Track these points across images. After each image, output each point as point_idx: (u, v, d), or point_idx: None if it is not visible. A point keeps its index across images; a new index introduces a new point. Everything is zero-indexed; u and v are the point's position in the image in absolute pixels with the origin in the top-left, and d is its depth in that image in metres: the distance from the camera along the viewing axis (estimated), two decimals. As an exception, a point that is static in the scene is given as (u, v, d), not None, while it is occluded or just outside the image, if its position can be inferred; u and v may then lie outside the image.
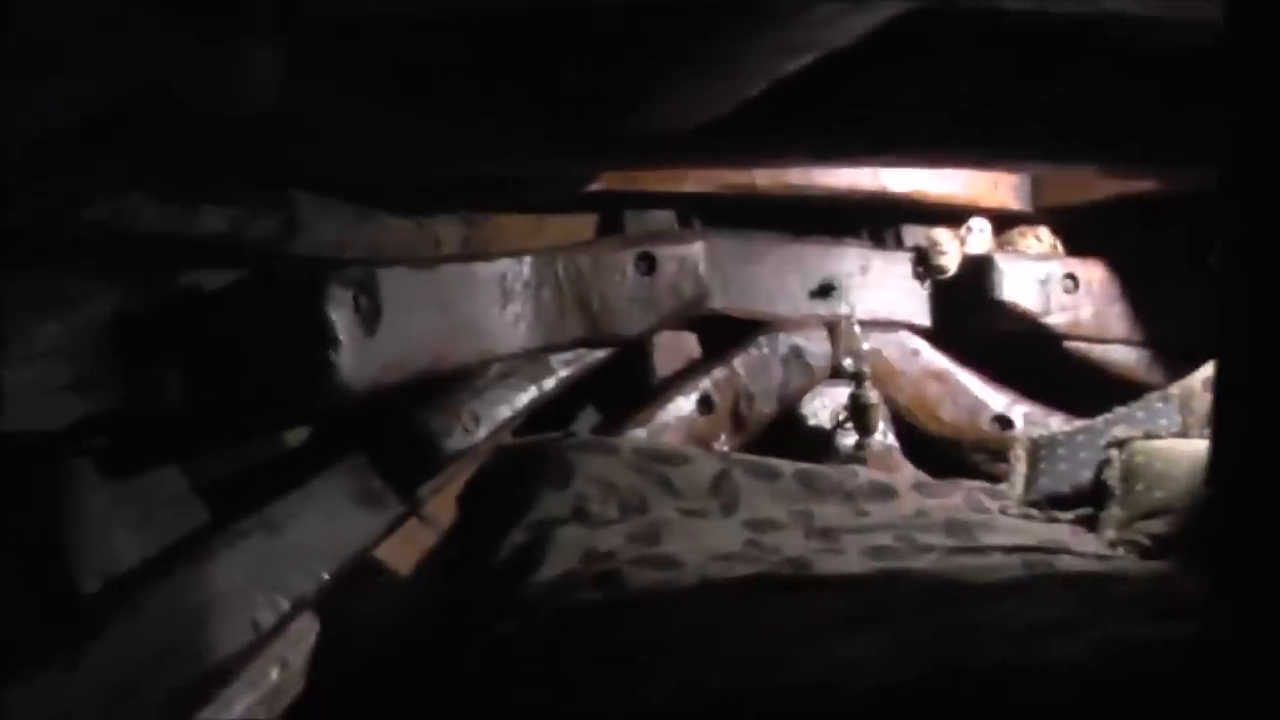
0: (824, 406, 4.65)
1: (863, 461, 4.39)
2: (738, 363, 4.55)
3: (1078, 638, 2.52)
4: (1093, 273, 4.77)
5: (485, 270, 4.03)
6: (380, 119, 3.18)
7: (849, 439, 4.53)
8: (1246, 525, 2.01)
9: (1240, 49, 1.84)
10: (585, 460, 3.77)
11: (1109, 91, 3.35)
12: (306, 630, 3.68)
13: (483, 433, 4.06)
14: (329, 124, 3.12)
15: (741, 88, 3.04)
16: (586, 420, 4.54)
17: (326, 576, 3.69)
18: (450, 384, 4.03)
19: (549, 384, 4.23)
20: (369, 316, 3.49)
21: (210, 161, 3.10)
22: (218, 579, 3.41)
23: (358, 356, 3.46)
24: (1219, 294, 1.98)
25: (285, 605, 3.55)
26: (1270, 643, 1.95)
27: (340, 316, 3.40)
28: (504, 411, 4.13)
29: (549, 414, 4.33)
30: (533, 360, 4.19)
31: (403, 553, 4.12)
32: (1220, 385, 2.07)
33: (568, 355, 4.27)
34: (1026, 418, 4.73)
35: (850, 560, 3.37)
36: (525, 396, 4.19)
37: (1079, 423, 4.34)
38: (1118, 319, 4.78)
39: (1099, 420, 4.25)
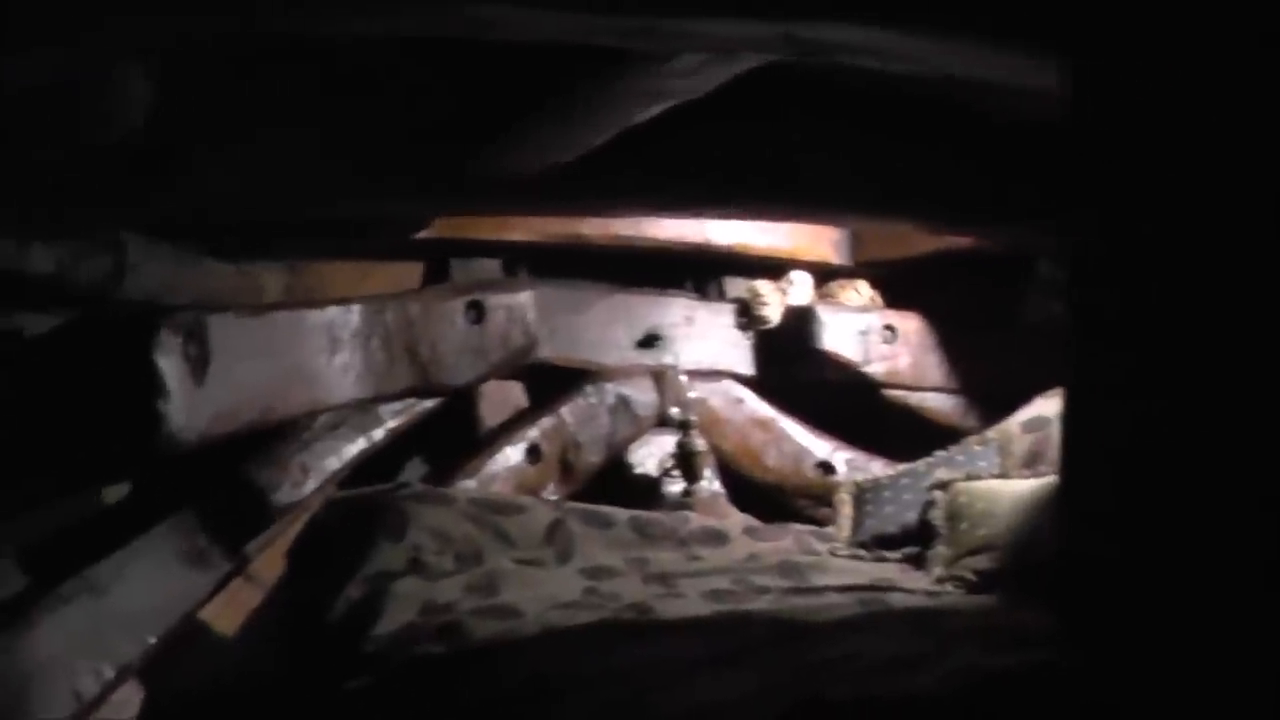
0: (651, 455, 4.69)
1: (690, 508, 4.42)
2: (565, 412, 4.57)
3: (928, 670, 2.60)
4: (909, 324, 4.93)
5: (314, 318, 3.99)
6: (236, 152, 3.13)
7: (676, 486, 4.57)
8: (1092, 556, 2.11)
9: (1088, 119, 1.94)
10: (420, 511, 3.74)
11: (933, 154, 3.49)
12: (130, 698, 3.57)
13: (311, 485, 4.01)
14: (191, 155, 3.07)
15: (592, 135, 3.08)
16: (414, 471, 4.50)
17: (153, 640, 3.59)
18: (279, 435, 3.97)
19: (378, 434, 4.20)
20: (199, 365, 3.43)
21: (51, 195, 3.02)
22: (38, 647, 3.30)
23: (188, 407, 3.40)
24: (1072, 343, 2.08)
25: (109, 673, 3.45)
26: (1117, 669, 2.05)
27: (170, 365, 3.33)
28: (333, 463, 4.08)
29: (376, 465, 4.28)
30: (362, 410, 4.15)
31: (227, 612, 4.03)
32: (1069, 425, 2.18)
33: (396, 405, 4.24)
34: (849, 463, 4.84)
35: (691, 604, 3.43)
36: (354, 448, 4.15)
37: (901, 466, 4.47)
38: (934, 368, 4.93)
39: (920, 464, 4.38)
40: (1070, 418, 2.20)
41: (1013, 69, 2.27)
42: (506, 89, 3.01)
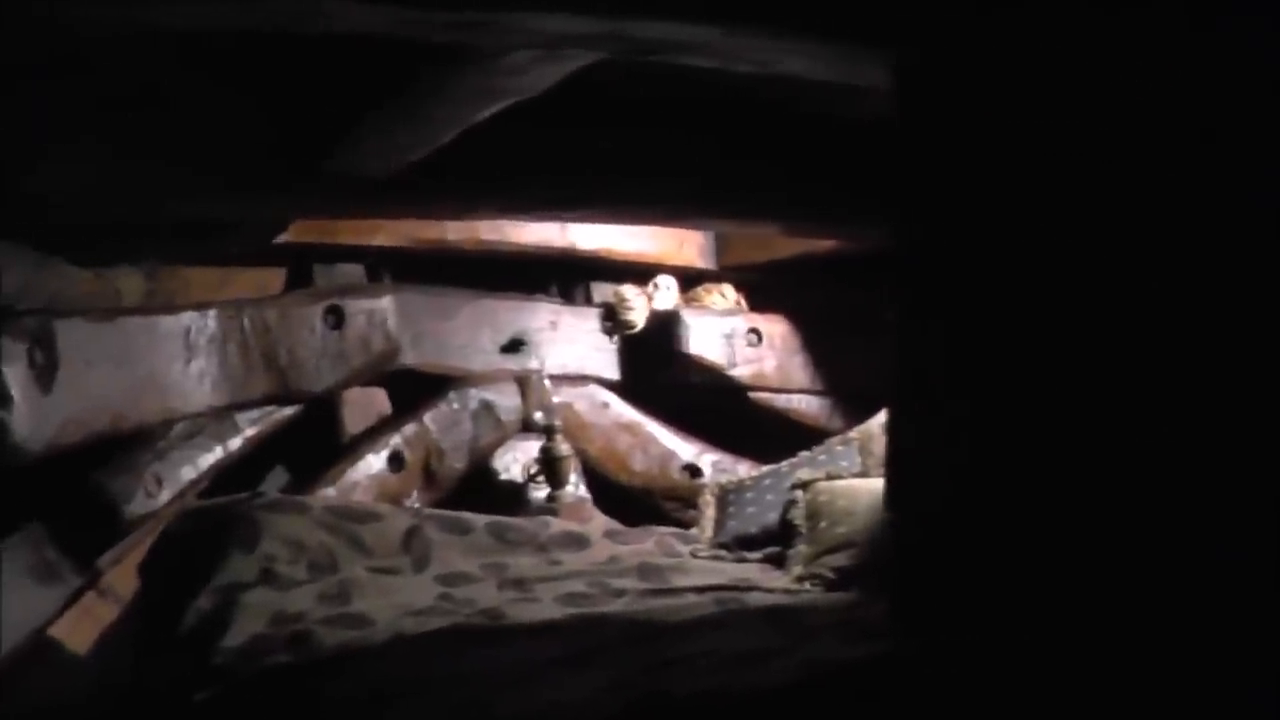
0: (515, 460, 4.71)
1: (555, 513, 4.46)
2: (428, 418, 4.57)
3: (778, 663, 2.64)
4: (775, 327, 5.01)
5: (168, 323, 3.98)
6: (83, 152, 3.09)
7: (541, 492, 4.59)
8: (922, 552, 2.17)
9: (911, 122, 1.98)
10: (273, 521, 3.71)
11: (789, 155, 3.53)
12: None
13: (166, 496, 3.98)
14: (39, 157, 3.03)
15: (434, 134, 3.08)
16: (275, 480, 4.47)
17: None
18: (131, 444, 3.94)
19: (235, 443, 4.18)
20: (45, 372, 3.39)
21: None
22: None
23: (33, 415, 3.36)
24: (896, 347, 2.13)
25: (-45, 692, 3.38)
26: (949, 656, 2.11)
27: (14, 372, 3.29)
28: (188, 473, 4.05)
29: (236, 474, 4.26)
30: (218, 418, 4.14)
31: (80, 628, 3.96)
32: (893, 426, 2.23)
33: (254, 413, 4.23)
34: (715, 466, 4.91)
35: (545, 608, 3.45)
36: (210, 457, 4.13)
37: (764, 468, 4.52)
38: (799, 370, 5.02)
39: (784, 465, 4.44)
40: (895, 418, 2.25)
41: (842, 67, 2.30)
42: (352, 87, 3.00)
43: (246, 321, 4.12)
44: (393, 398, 4.66)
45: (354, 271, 4.65)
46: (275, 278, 4.57)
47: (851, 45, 2.18)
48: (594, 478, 4.82)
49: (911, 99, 2.09)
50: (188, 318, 4.01)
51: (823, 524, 3.96)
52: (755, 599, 3.52)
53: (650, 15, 2.07)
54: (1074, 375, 1.82)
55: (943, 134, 2.03)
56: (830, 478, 4.16)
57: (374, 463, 4.44)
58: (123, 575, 3.97)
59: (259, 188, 3.47)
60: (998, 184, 1.93)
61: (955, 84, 2.03)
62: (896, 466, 2.24)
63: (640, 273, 4.97)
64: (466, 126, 3.00)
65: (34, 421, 3.35)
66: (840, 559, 3.79)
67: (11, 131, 2.92)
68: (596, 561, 3.93)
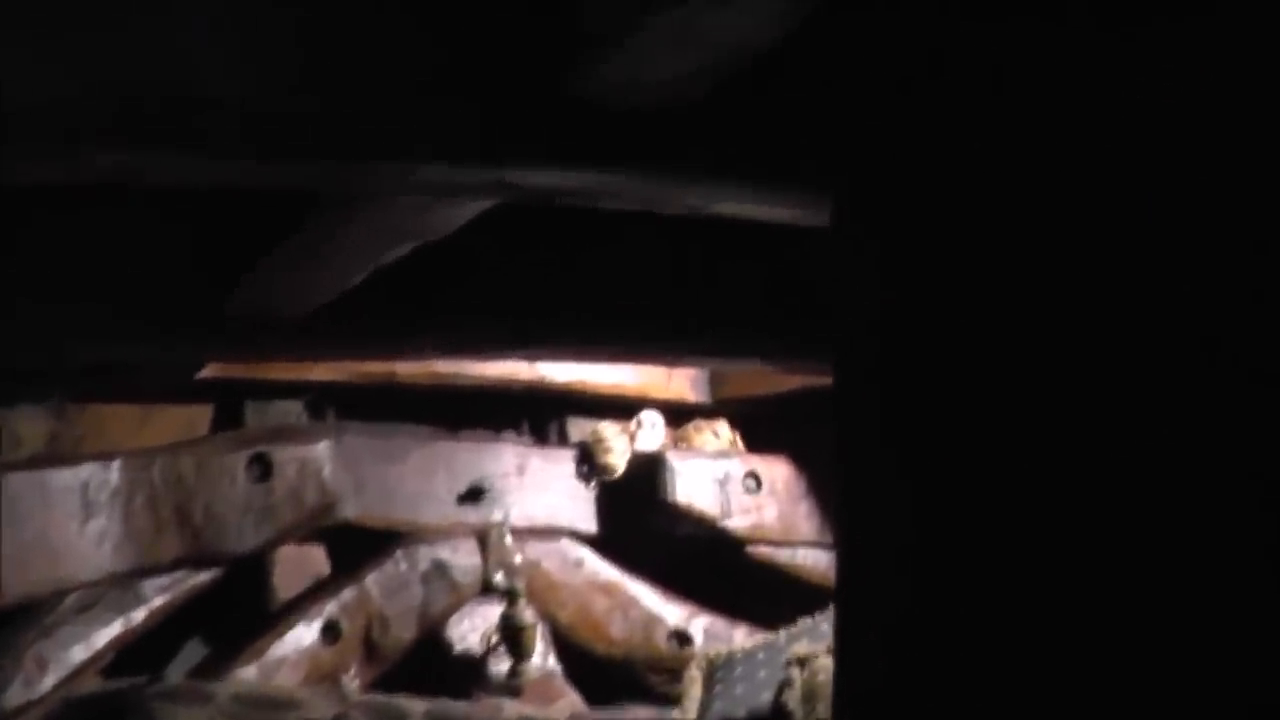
0: (474, 629, 4.51)
1: (518, 691, 4.28)
2: (371, 581, 4.36)
3: None
4: (776, 470, 4.82)
5: (63, 478, 3.81)
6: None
7: (503, 665, 4.40)
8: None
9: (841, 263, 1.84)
10: (171, 713, 3.46)
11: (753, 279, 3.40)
12: None
13: (50, 681, 3.75)
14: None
15: (342, 275, 2.93)
16: (191, 655, 4.25)
17: None
18: (12, 621, 3.76)
19: (139, 616, 3.99)
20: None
21: None
22: None
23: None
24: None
25: None
26: None
27: None
28: (79, 653, 3.84)
29: (143, 650, 4.08)
30: (120, 587, 3.94)
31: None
32: (840, 594, 2.07)
33: (164, 579, 4.04)
34: (707, 632, 4.71)
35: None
36: (108, 633, 3.92)
37: (759, 637, 4.29)
38: (804, 520, 4.82)
39: (781, 634, 4.19)
40: (841, 584, 2.09)
41: (780, 209, 2.15)
42: (243, 229, 2.90)
43: (156, 473, 3.95)
44: (333, 556, 4.47)
45: (291, 409, 4.48)
46: (201, 416, 4.39)
47: (786, 186, 2.03)
48: (566, 647, 4.62)
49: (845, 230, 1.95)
50: (87, 470, 3.82)
51: (820, 707, 3.68)
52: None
53: (533, 164, 1.90)
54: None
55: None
56: (831, 651, 3.95)
57: (305, 634, 4.22)
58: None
59: (160, 330, 3.35)
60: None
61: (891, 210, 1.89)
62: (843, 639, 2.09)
63: (622, 408, 4.78)
64: (377, 266, 2.88)
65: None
66: (836, 758, 3.55)
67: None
68: (556, 758, 3.71)
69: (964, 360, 1.74)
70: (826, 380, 4.79)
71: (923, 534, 1.80)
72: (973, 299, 1.74)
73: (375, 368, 4.38)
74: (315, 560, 4.45)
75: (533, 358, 4.14)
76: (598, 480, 4.76)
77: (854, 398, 1.91)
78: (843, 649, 2.03)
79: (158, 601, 4.05)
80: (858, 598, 1.96)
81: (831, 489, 4.86)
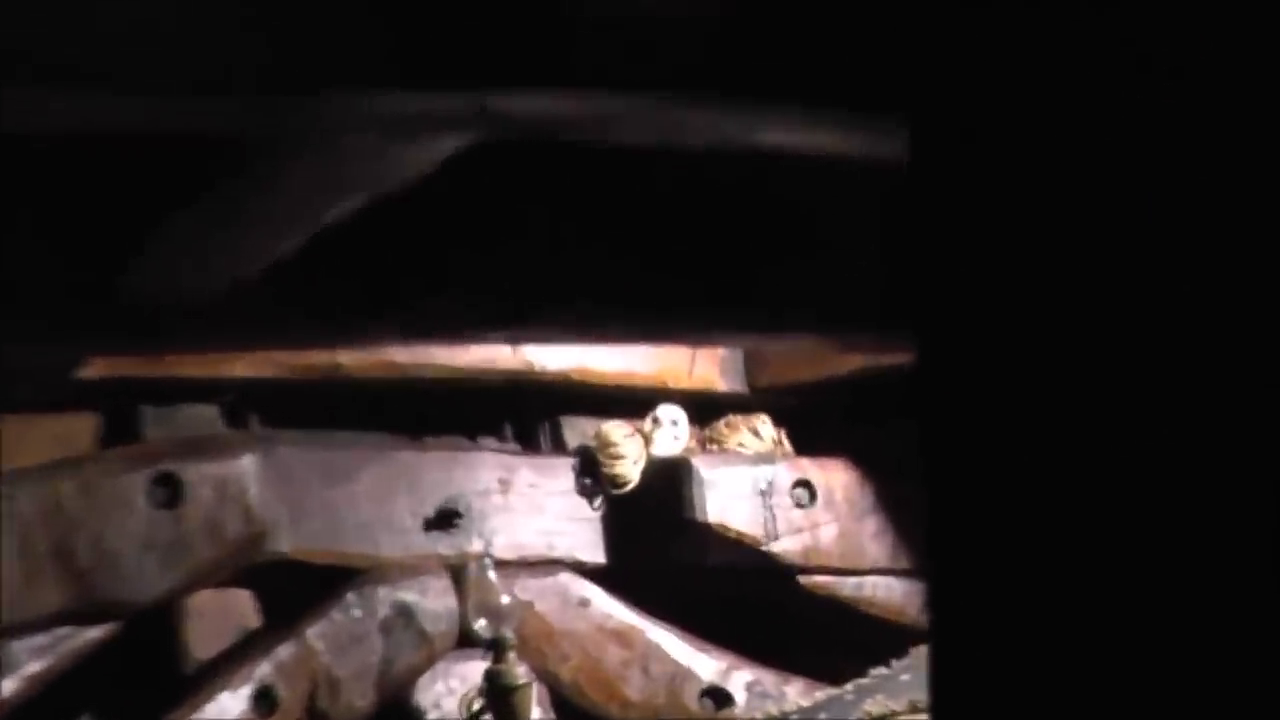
0: (450, 692, 4.57)
1: (508, 774, 4.29)
2: (313, 634, 4.42)
3: None
4: (834, 477, 4.87)
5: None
6: None
7: (488, 738, 4.42)
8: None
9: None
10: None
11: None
12: None
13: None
14: None
15: (269, 243, 2.97)
16: (86, 731, 4.31)
17: None
18: None
19: (8, 687, 4.05)
20: None
21: None
22: None
23: None
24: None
25: None
26: None
27: None
28: (-74, 737, 3.92)
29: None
30: (-15, 649, 3.99)
31: None
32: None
33: (42, 638, 4.12)
34: (751, 689, 4.78)
35: None
36: (-36, 712, 3.98)
37: (821, 693, 4.41)
38: (872, 540, 4.88)
39: (849, 688, 4.33)
40: (935, 623, 2.15)
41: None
42: (143, 189, 2.92)
43: (25, 503, 4.04)
44: (264, 603, 4.54)
45: (204, 415, 4.55)
46: (86, 427, 4.49)
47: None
48: (570, 713, 4.70)
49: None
50: (-66, 501, 3.91)
51: (904, 784, 3.83)
52: None
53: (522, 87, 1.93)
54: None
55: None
56: (916, 710, 4.07)
57: (230, 705, 4.28)
58: None
59: (27, 319, 3.40)
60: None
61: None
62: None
63: (632, 401, 4.84)
64: (317, 230, 2.92)
65: None
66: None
67: None
68: None
69: (1097, 332, 1.75)
70: (898, 359, 4.87)
71: (1048, 555, 1.81)
72: (1111, 253, 1.76)
73: (314, 359, 4.44)
74: (241, 608, 4.53)
75: (518, 340, 4.18)
76: (604, 496, 4.81)
77: (945, 378, 1.93)
78: (939, 707, 2.05)
79: (34, 667, 4.12)
80: (957, 639, 1.97)
81: (912, 500, 5.00)
